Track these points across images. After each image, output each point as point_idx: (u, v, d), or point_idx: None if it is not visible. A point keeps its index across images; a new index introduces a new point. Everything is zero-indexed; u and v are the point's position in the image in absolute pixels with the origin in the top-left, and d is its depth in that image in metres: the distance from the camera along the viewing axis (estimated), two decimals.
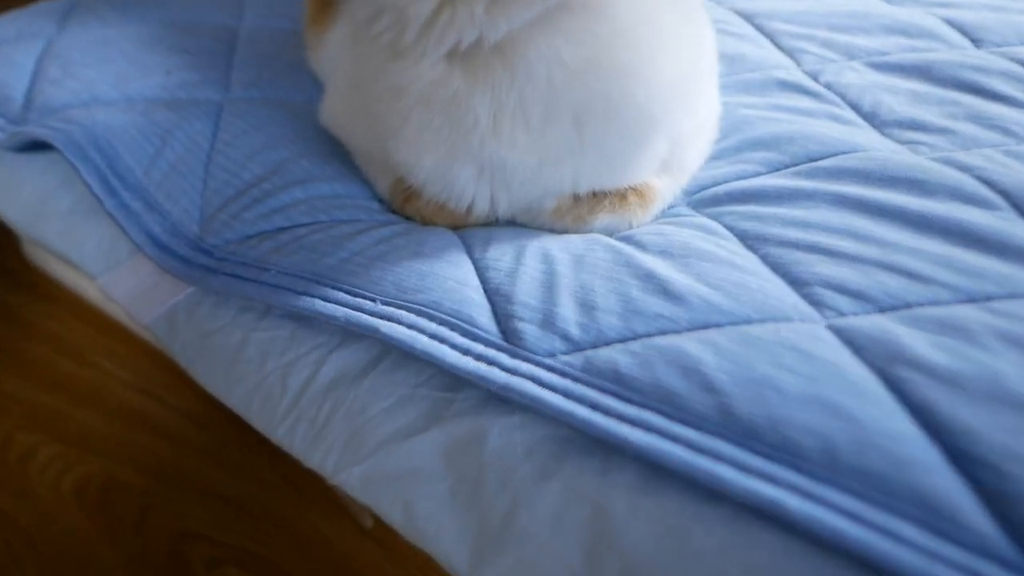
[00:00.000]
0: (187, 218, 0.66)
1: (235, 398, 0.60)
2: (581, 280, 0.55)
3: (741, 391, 0.44)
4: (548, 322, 0.52)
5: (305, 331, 0.58)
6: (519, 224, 0.66)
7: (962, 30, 0.88)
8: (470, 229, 0.65)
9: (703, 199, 0.67)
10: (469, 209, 0.63)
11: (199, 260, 0.64)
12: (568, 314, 0.52)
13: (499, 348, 0.51)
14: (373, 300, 0.55)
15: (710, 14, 0.76)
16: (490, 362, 0.50)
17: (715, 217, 0.64)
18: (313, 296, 0.57)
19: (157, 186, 0.68)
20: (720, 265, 0.56)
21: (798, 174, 0.66)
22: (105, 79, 0.81)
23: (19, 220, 0.80)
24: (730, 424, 0.43)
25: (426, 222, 0.66)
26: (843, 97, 0.78)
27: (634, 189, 0.64)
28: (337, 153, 0.72)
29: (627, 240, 0.61)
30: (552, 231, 0.64)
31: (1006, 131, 0.69)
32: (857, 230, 0.57)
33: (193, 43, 0.88)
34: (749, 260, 0.57)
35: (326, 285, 0.57)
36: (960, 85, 0.77)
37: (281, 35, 0.93)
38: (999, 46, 0.84)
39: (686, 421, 0.44)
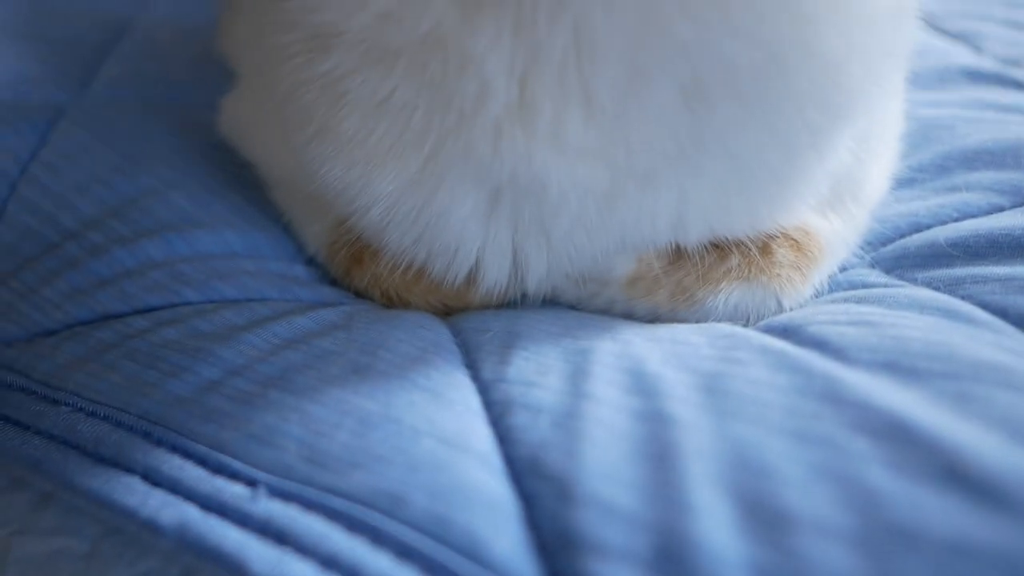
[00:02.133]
0: None
1: None
2: (731, 435, 0.24)
3: None
4: (671, 555, 0.20)
5: (117, 544, 0.27)
6: (562, 304, 0.35)
7: None
8: (473, 315, 0.34)
9: (904, 254, 0.36)
10: (472, 278, 0.33)
11: None
12: (720, 532, 0.21)
13: None
14: (251, 485, 0.24)
15: None
16: None
17: (948, 289, 0.33)
18: (124, 469, 0.26)
19: None
20: None
21: None
22: None
23: None
24: None
25: (391, 302, 0.35)
26: None
27: (785, 235, 0.34)
28: (241, 183, 0.41)
29: (794, 338, 0.29)
30: (630, 318, 0.33)
31: None
32: None
33: (59, 31, 0.59)
34: None
35: (159, 443, 0.26)
36: None
37: (198, 29, 0.64)
38: None
39: None
